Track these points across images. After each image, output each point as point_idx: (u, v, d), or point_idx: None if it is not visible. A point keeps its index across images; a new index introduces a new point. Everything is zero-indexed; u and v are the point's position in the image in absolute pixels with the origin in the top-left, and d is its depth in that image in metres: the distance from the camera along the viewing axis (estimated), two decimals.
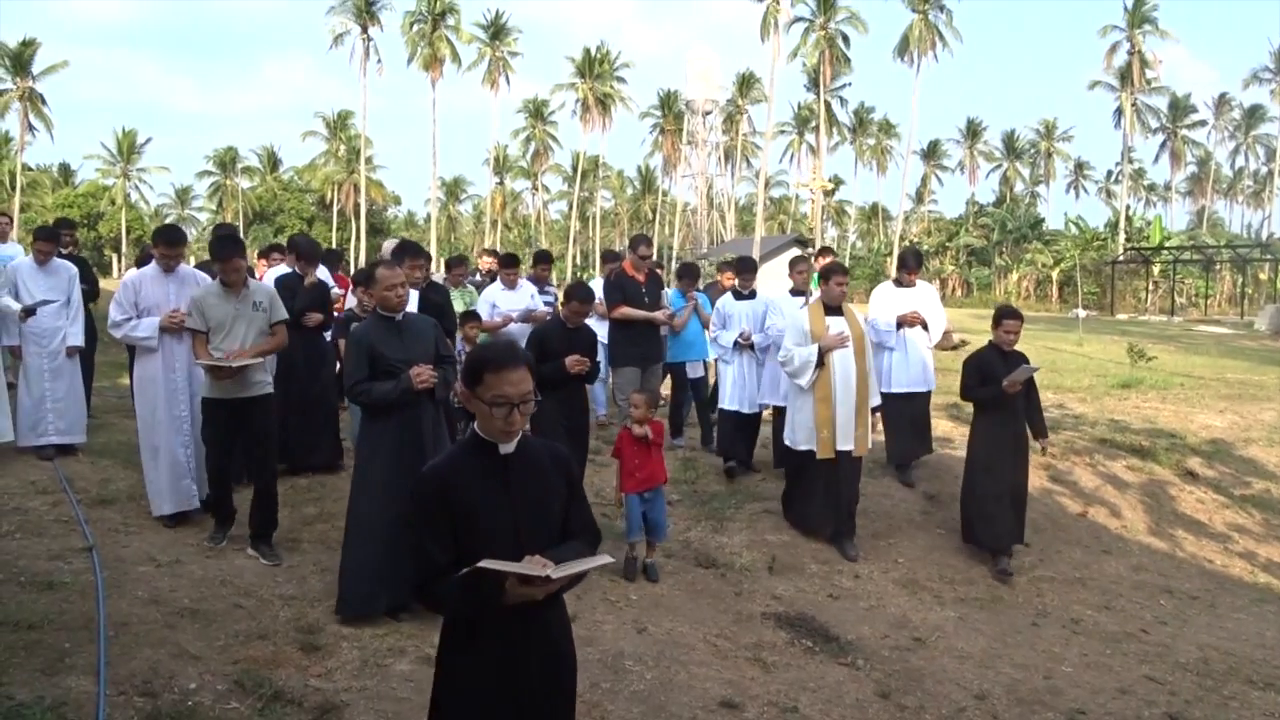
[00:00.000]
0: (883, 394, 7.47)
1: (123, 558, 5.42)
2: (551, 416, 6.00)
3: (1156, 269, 45.29)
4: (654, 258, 9.94)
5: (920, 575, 6.68)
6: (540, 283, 9.56)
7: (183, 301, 6.12)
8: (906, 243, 60.39)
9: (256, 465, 5.79)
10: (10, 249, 8.91)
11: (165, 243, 6.28)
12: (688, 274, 9.35)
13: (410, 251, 6.93)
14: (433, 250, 62.32)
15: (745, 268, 8.58)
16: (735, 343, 8.10)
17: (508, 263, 9.09)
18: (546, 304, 9.23)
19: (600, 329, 8.72)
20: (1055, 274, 52.24)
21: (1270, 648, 6.13)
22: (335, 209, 68.26)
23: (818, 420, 6.63)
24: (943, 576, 6.73)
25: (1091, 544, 7.67)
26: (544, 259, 10.29)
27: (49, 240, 7.69)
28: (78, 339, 7.61)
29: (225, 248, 5.77)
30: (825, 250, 11.96)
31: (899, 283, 8.30)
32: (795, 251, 43.78)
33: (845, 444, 6.66)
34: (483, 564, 2.36)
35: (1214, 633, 6.32)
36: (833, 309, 6.77)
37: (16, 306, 7.19)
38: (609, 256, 10.58)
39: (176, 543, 5.81)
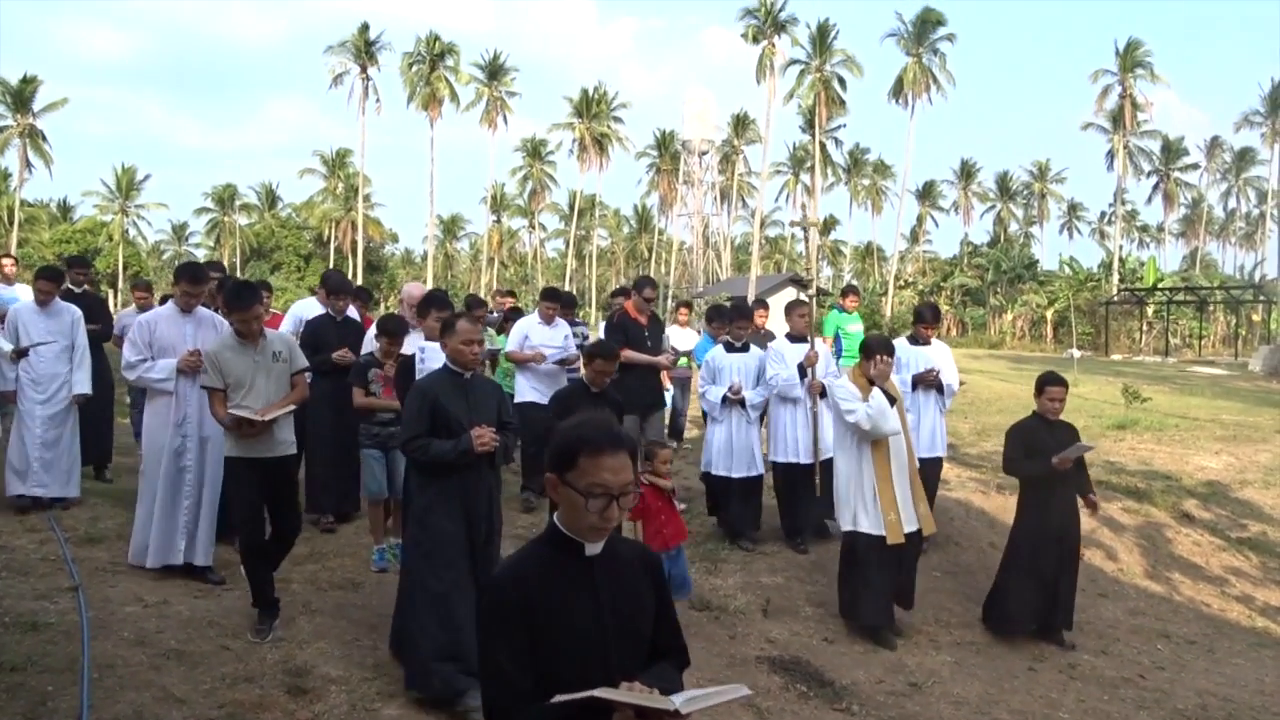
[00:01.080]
0: None
1: (109, 598, 5.36)
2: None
3: (1150, 310, 45.48)
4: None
5: (916, 619, 6.61)
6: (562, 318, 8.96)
7: (200, 342, 5.85)
8: (903, 282, 60.66)
9: (282, 526, 5.31)
10: (16, 292, 8.64)
11: (189, 280, 5.91)
12: (718, 317, 8.82)
13: (435, 303, 6.34)
14: (428, 287, 62.44)
15: (739, 316, 7.84)
16: (725, 398, 7.42)
17: (548, 296, 8.60)
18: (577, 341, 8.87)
19: None
20: (1050, 314, 52.43)
21: (1269, 694, 6.06)
22: (333, 246, 68.46)
23: (882, 503, 6.00)
24: (938, 620, 6.67)
25: (1088, 587, 7.60)
26: (569, 303, 9.35)
27: (51, 280, 7.26)
28: (84, 386, 7.20)
29: (243, 296, 5.22)
30: (850, 289, 11.70)
31: (915, 339, 7.65)
32: (791, 291, 43.94)
33: (911, 525, 6.07)
34: (598, 693, 1.99)
35: (1212, 678, 6.25)
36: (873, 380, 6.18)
37: (8, 347, 6.84)
38: (620, 293, 10.17)
39: (164, 583, 5.74)
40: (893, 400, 6.06)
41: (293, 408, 5.28)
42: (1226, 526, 9.28)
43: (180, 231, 77.57)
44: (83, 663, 4.42)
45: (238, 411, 5.04)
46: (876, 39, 55.27)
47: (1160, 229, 77.81)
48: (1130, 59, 55.96)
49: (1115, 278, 52.83)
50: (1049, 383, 6.34)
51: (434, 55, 59.68)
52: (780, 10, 52.78)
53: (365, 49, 58.99)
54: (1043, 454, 6.14)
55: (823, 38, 54.39)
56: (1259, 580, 8.26)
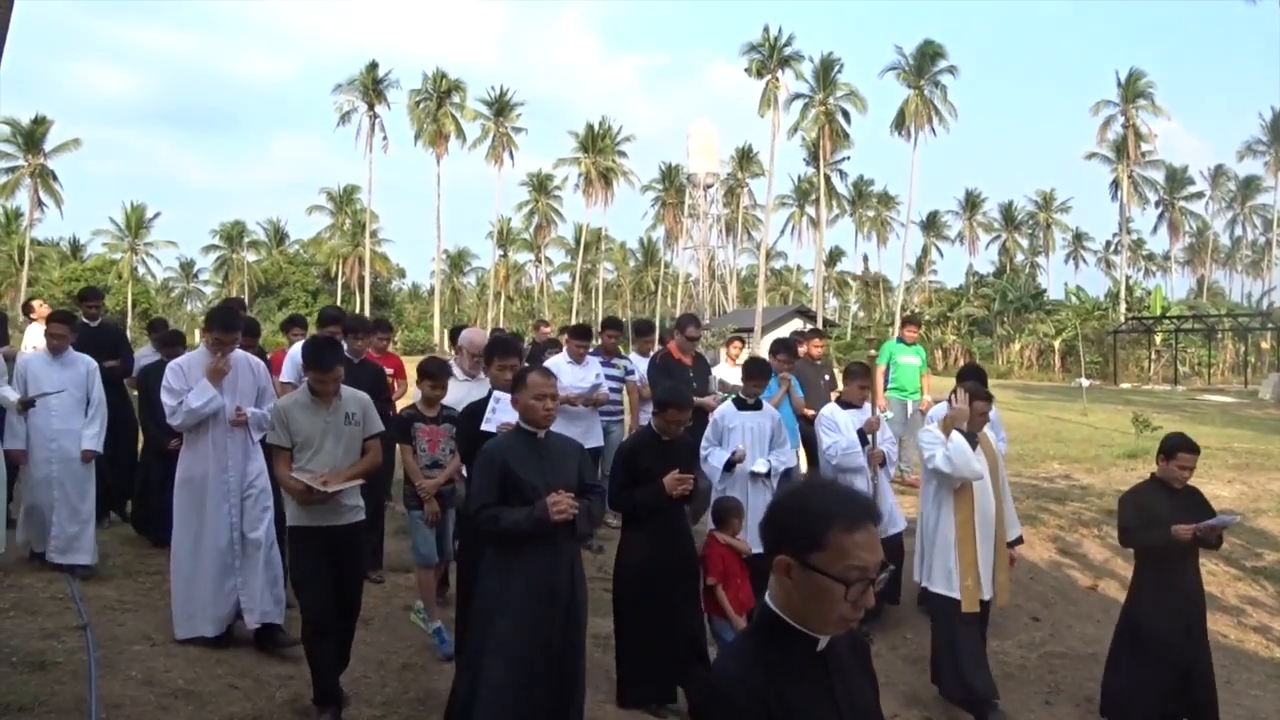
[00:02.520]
0: None
1: (117, 636, 5.33)
2: (651, 558, 5.10)
3: (1158, 338, 45.38)
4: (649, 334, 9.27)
5: (929, 651, 6.54)
6: (609, 354, 8.50)
7: (238, 386, 5.46)
8: (909, 313, 60.52)
9: (343, 604, 4.82)
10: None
11: (221, 327, 5.47)
12: (784, 349, 8.24)
13: (499, 350, 5.49)
14: (435, 321, 62.81)
15: (755, 373, 6.72)
16: (728, 463, 6.40)
17: (579, 334, 8.03)
18: (614, 378, 8.30)
19: (644, 414, 8.21)
20: (1057, 344, 52.34)
21: None
22: (340, 282, 68.81)
23: (961, 565, 5.57)
24: None
25: (1103, 618, 7.52)
26: (613, 326, 8.80)
27: (65, 323, 6.68)
28: (94, 442, 6.60)
29: (324, 357, 4.77)
30: (911, 319, 11.25)
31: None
32: (798, 323, 43.93)
33: (989, 592, 5.67)
34: None
35: (1232, 711, 6.16)
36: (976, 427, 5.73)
37: (14, 397, 6.30)
38: (643, 328, 9.53)
39: (173, 621, 5.71)
40: (974, 442, 5.62)
41: (360, 481, 4.85)
42: (1241, 556, 9.19)
43: (189, 269, 78.07)
44: (90, 702, 4.39)
45: (299, 478, 4.62)
46: (880, 71, 55.20)
47: (1166, 258, 77.85)
48: (1132, 89, 56.21)
49: (1122, 306, 52.79)
50: (1181, 448, 5.53)
51: (441, 92, 60.29)
52: (785, 45, 53.34)
53: (373, 87, 59.63)
54: (1161, 523, 5.45)
55: (826, 72, 54.83)
56: (1275, 610, 8.17)
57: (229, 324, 5.54)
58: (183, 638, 5.33)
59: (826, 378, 9.01)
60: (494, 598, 4.12)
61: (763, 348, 40.01)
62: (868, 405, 6.81)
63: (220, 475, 5.39)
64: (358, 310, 57.64)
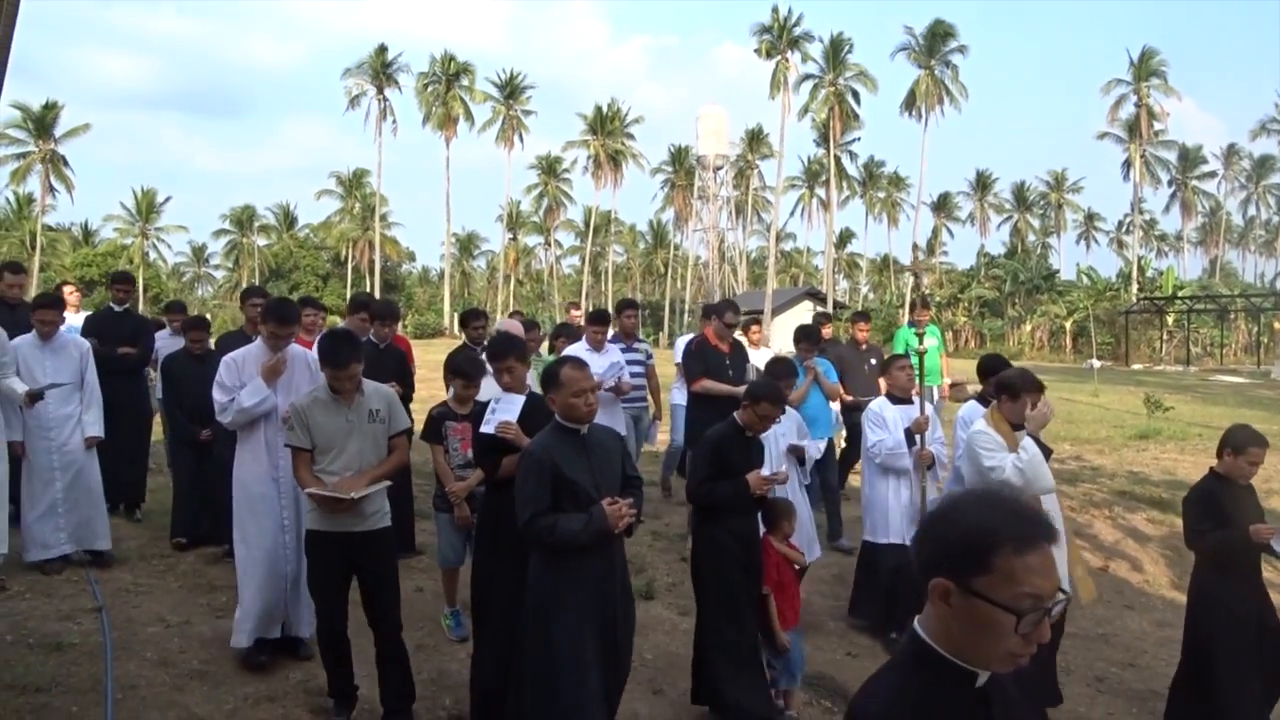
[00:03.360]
0: None
1: (133, 618, 5.39)
2: (732, 559, 4.86)
3: (1170, 319, 45.20)
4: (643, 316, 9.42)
5: None
6: (629, 337, 8.35)
7: (293, 383, 5.12)
8: (920, 288, 60.30)
9: (377, 618, 4.54)
10: (79, 320, 8.11)
11: (277, 320, 5.10)
12: (806, 338, 7.97)
13: (492, 355, 5.00)
14: (445, 305, 62.89)
15: (783, 374, 6.16)
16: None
17: (596, 320, 7.83)
18: (634, 364, 8.11)
19: (676, 394, 8.23)
20: (1069, 325, 52.14)
21: None
22: (350, 266, 68.92)
23: None
24: None
25: (1113, 599, 7.54)
26: (630, 306, 8.59)
27: (52, 308, 6.40)
28: (95, 428, 6.42)
29: (341, 352, 4.42)
30: (922, 301, 11.02)
31: (986, 400, 6.07)
32: (808, 305, 43.77)
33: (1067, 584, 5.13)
34: None
35: None
36: (1019, 424, 5.24)
37: (21, 389, 6.00)
38: (710, 311, 8.97)
39: (187, 603, 5.77)
40: (1048, 453, 5.25)
41: (387, 484, 4.54)
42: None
43: (200, 253, 78.25)
44: (106, 683, 4.44)
45: (320, 492, 4.33)
46: (891, 52, 54.99)
47: (1179, 238, 77.37)
48: (1145, 68, 55.77)
49: (1134, 287, 52.55)
50: (1252, 444, 5.16)
51: (449, 75, 60.20)
52: (794, 26, 53.01)
53: (382, 70, 59.56)
54: (1230, 522, 5.08)
55: (836, 52, 54.51)
56: None
57: (285, 317, 5.18)
58: (236, 646, 5.01)
59: (873, 362, 8.71)
60: (551, 598, 3.91)
61: (774, 329, 39.91)
62: (918, 401, 6.35)
63: (272, 475, 5.06)
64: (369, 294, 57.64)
